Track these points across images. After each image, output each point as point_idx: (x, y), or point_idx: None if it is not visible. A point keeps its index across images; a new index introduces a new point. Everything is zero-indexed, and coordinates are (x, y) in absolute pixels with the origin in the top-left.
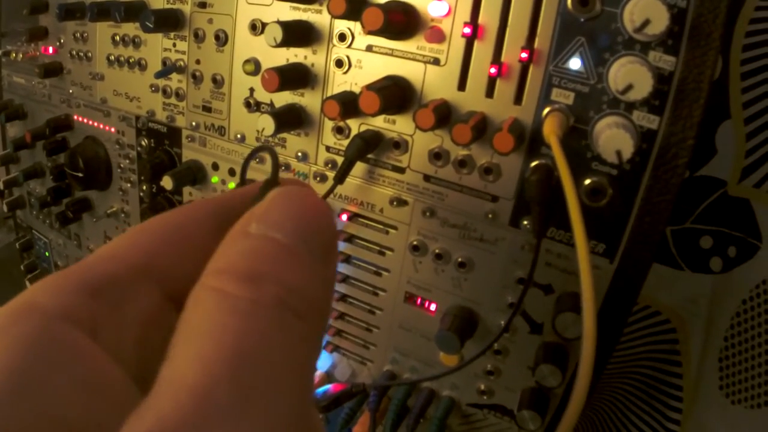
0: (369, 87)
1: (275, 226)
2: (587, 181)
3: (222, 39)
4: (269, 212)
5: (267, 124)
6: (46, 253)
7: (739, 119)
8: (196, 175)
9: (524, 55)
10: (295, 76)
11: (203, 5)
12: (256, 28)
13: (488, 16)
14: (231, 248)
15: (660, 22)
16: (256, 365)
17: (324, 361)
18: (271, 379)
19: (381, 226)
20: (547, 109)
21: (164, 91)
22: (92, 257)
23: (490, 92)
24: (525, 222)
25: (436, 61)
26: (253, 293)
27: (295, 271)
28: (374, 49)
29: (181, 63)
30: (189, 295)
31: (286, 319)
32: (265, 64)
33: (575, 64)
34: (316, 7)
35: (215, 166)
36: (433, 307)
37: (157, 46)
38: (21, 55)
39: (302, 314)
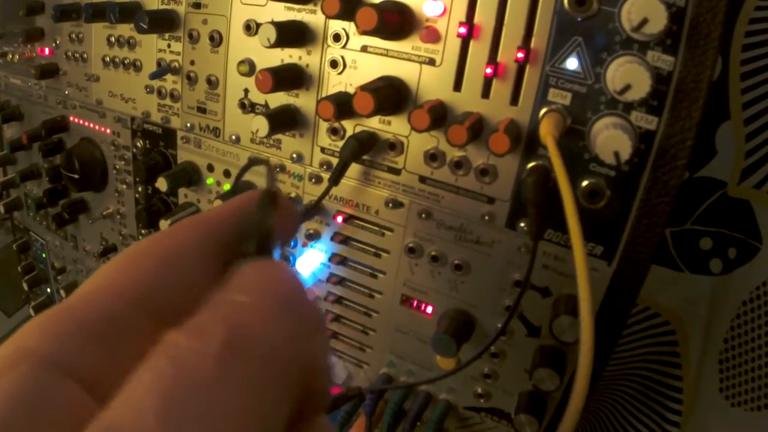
0: (363, 88)
1: (243, 292)
2: (585, 183)
3: (216, 40)
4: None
5: (261, 125)
6: (43, 255)
7: (739, 120)
8: (191, 176)
9: (520, 55)
10: (290, 77)
11: (198, 6)
12: (251, 28)
13: (484, 16)
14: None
15: (658, 21)
16: (186, 413)
17: None
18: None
19: (376, 228)
20: (543, 110)
21: (159, 93)
22: (87, 289)
23: (486, 93)
24: (522, 224)
25: (431, 62)
26: (198, 342)
27: (250, 317)
28: (369, 49)
29: (176, 64)
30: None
31: (226, 361)
32: (260, 65)
33: (572, 64)
34: (310, 7)
35: (210, 168)
36: (429, 309)
37: (152, 47)
38: (17, 57)
39: (248, 355)
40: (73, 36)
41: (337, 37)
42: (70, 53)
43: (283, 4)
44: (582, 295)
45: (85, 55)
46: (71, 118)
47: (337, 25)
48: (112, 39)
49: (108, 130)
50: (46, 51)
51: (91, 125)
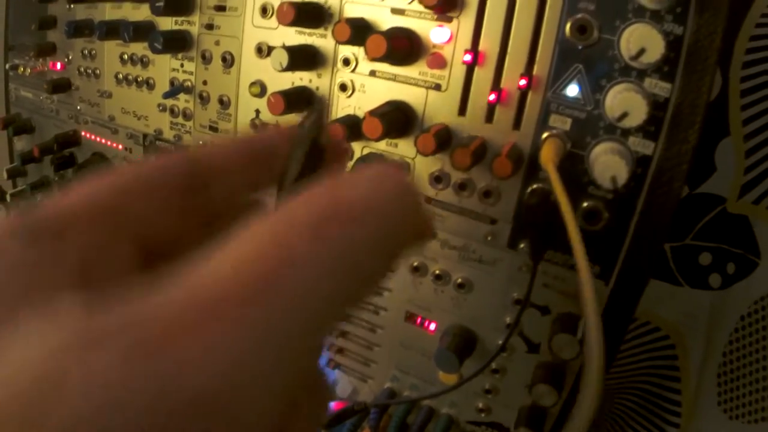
0: (372, 113)
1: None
2: (583, 205)
3: (229, 61)
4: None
5: None
6: None
7: (739, 136)
8: None
9: (523, 81)
10: (301, 100)
11: (210, 27)
12: (262, 51)
13: (488, 44)
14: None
15: (655, 51)
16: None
17: None
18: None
19: None
20: (545, 135)
21: (172, 111)
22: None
23: (489, 117)
24: (522, 244)
25: (437, 87)
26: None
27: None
28: (377, 74)
29: (189, 83)
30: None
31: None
32: (271, 87)
33: (573, 90)
34: (321, 31)
35: None
36: (432, 326)
37: (165, 66)
38: (29, 70)
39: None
40: (86, 52)
41: (346, 62)
42: (82, 69)
43: (294, 28)
44: (589, 315)
45: (98, 72)
46: (83, 133)
47: (346, 50)
48: (125, 56)
49: (120, 146)
50: (58, 66)
51: (104, 141)
